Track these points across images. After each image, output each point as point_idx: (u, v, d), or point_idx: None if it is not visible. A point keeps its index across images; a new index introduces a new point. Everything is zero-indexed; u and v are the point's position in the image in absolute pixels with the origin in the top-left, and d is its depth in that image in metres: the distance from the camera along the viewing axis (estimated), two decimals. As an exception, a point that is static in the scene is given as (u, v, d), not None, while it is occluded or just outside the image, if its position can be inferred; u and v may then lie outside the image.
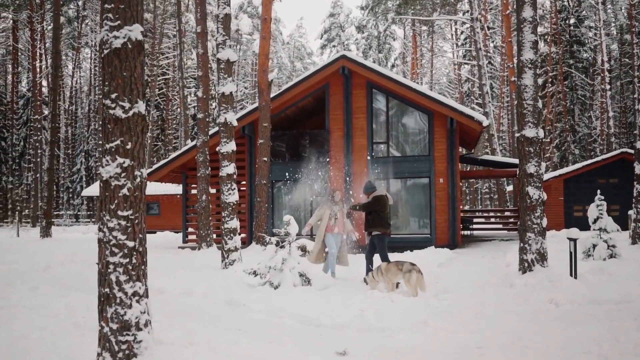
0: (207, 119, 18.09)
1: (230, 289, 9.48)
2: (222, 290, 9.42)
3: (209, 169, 17.56)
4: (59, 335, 6.37)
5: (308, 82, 18.68)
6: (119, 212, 4.85)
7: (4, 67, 55.29)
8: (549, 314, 7.55)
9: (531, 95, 9.91)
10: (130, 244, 4.88)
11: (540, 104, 10.09)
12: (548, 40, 44.20)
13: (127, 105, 4.85)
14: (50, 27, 33.14)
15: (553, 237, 17.03)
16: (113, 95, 4.85)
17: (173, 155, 20.90)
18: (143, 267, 4.99)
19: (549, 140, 43.66)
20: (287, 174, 19.11)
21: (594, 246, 12.54)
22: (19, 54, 50.89)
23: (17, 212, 36.57)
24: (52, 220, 32.61)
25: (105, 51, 4.87)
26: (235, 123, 13.01)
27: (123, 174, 4.86)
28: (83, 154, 53.37)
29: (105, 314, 4.86)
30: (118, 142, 4.85)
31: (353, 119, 18.78)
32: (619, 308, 7.64)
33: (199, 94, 18.01)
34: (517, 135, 10.05)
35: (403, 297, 8.65)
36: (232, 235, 12.52)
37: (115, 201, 4.85)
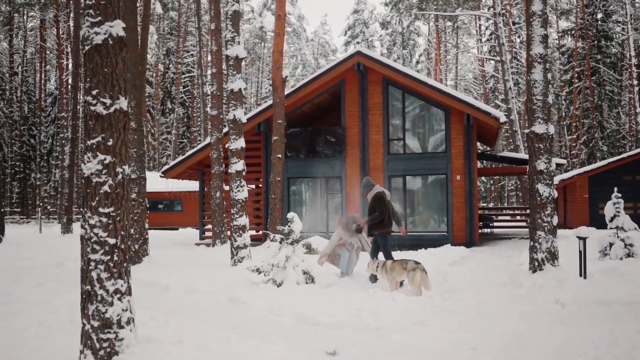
0: (221, 116, 18.08)
1: (234, 287, 9.46)
2: (226, 287, 9.40)
3: (223, 165, 17.50)
4: (54, 332, 6.42)
5: (323, 78, 18.54)
6: (100, 209, 4.83)
7: (33, 66, 56.19)
8: (552, 315, 7.35)
9: (541, 91, 9.66)
10: (112, 241, 4.86)
11: (550, 100, 9.84)
12: (575, 35, 43.32)
13: (108, 101, 4.83)
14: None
15: (575, 234, 16.59)
16: (94, 92, 4.83)
17: (189, 152, 20.96)
18: (125, 264, 4.96)
19: (576, 136, 42.82)
20: (302, 170, 19.04)
21: (611, 245, 12.18)
22: (47, 52, 51.72)
23: (40, 209, 37.19)
24: (75, 216, 33.09)
25: (87, 47, 4.85)
26: (244, 120, 12.96)
27: (104, 171, 4.83)
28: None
29: (86, 311, 4.86)
30: (99, 138, 4.84)
31: (369, 115, 18.60)
32: (626, 309, 7.40)
33: (213, 90, 18.04)
34: (526, 131, 9.82)
35: (405, 296, 8.52)
36: (241, 232, 12.47)
37: (97, 198, 4.83)
